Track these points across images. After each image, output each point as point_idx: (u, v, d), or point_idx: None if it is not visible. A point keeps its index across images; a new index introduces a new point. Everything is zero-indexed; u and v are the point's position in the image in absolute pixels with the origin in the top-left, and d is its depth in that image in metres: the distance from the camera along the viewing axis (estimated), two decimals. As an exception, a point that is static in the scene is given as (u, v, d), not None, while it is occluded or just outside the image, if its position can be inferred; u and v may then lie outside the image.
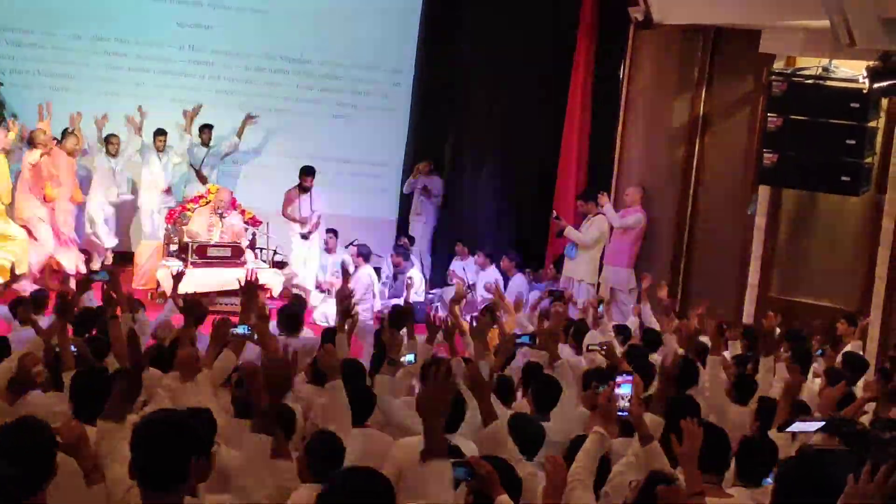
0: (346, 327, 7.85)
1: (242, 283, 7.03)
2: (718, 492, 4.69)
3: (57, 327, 6.52)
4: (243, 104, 15.02)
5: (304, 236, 13.98)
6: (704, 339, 9.13)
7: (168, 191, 14.12)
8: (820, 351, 8.84)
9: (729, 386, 7.17)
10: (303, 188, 13.95)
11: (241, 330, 6.34)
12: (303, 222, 13.96)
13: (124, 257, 14.19)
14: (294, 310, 9.39)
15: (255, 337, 6.48)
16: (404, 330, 7.97)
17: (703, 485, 4.53)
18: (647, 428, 5.01)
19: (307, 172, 13.94)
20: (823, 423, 4.17)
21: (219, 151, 14.58)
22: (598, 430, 4.75)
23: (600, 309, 11.21)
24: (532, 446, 5.47)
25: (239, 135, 14.69)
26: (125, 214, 14.44)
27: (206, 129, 14.42)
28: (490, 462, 4.50)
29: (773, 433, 5.55)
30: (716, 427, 5.07)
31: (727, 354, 8.40)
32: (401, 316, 8.78)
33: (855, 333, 10.19)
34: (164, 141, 14.02)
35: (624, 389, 4.96)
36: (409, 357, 7.38)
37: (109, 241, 14.02)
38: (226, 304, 11.99)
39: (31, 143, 12.78)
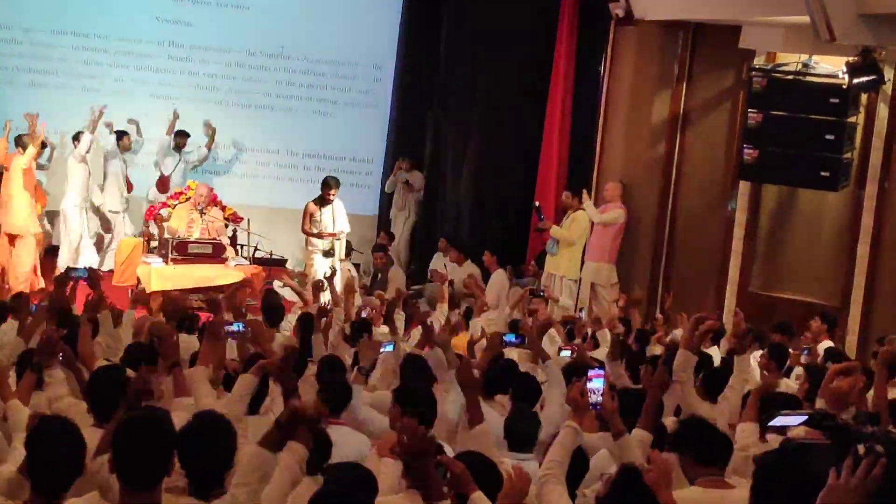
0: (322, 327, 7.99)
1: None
2: (720, 483, 4.72)
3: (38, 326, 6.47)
4: (223, 100, 15.01)
5: (328, 253, 12.99)
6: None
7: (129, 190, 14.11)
8: (806, 350, 8.86)
9: (698, 383, 7.19)
10: (324, 201, 13.00)
11: (235, 327, 6.37)
12: (322, 237, 13.01)
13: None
14: (275, 302, 9.45)
15: (250, 334, 6.50)
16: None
17: (707, 478, 4.56)
18: (619, 422, 5.03)
19: (330, 185, 12.95)
20: (806, 417, 4.18)
21: (188, 160, 14.45)
22: (570, 424, 4.75)
23: (581, 314, 11.27)
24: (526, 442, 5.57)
25: (209, 147, 14.59)
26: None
27: (182, 135, 14.32)
28: (471, 458, 4.52)
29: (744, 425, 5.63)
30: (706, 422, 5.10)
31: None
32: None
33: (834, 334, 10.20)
34: (130, 141, 13.96)
35: (596, 383, 4.97)
36: (388, 347, 7.42)
37: (89, 255, 13.84)
38: (200, 301, 11.91)
39: (21, 146, 12.69)
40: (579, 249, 13.02)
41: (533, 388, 6.64)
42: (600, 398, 4.99)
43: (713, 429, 5.02)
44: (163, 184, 14.10)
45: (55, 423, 4.06)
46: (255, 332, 6.37)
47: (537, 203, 13.62)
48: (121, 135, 13.94)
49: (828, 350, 8.48)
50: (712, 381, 7.27)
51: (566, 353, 8.24)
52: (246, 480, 4.04)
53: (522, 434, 5.62)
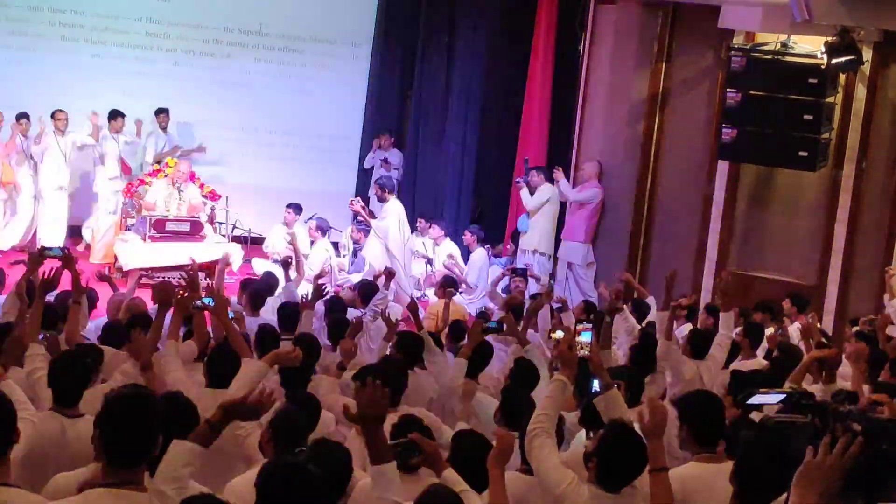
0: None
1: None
2: (715, 458, 4.72)
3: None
4: (201, 77, 14.90)
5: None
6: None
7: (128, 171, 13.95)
8: (780, 330, 8.90)
9: (684, 342, 7.32)
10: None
11: (205, 301, 6.40)
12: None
13: (75, 232, 13.97)
14: (259, 287, 9.45)
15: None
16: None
17: (703, 455, 4.58)
18: (606, 374, 5.05)
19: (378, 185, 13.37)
20: (784, 395, 4.21)
21: (172, 142, 14.35)
22: (559, 378, 4.74)
23: (551, 282, 11.29)
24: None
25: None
26: (82, 190, 14.21)
27: (162, 113, 14.20)
28: (466, 438, 4.55)
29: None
30: (714, 400, 5.06)
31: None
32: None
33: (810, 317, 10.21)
34: (122, 123, 13.82)
35: (584, 337, 4.98)
36: None
37: (59, 230, 13.67)
38: (178, 279, 11.89)
39: None
40: (550, 223, 13.03)
41: (530, 374, 6.66)
42: (588, 352, 4.99)
43: (718, 407, 4.97)
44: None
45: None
46: (218, 307, 6.34)
47: (527, 159, 13.64)
48: (114, 115, 13.76)
49: (780, 345, 8.40)
50: (697, 340, 7.40)
51: (560, 334, 8.26)
52: (176, 475, 3.74)
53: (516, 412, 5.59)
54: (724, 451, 4.73)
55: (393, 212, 12.69)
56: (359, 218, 13.52)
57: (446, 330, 9.09)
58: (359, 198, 13.56)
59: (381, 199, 13.09)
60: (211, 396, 5.42)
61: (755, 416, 5.20)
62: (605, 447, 4.27)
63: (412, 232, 14.10)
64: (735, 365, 7.95)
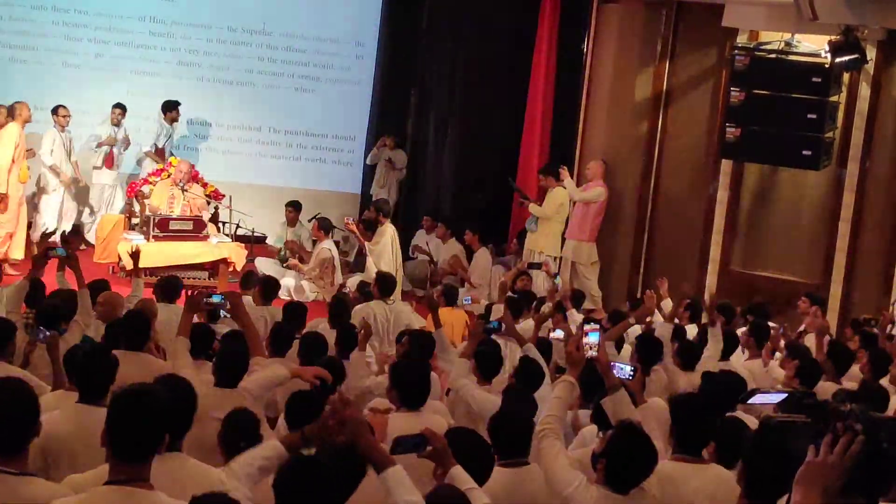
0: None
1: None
2: (694, 459, 4.73)
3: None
4: (204, 76, 14.91)
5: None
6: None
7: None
8: (781, 329, 8.90)
9: (673, 355, 7.37)
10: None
11: (215, 299, 6.41)
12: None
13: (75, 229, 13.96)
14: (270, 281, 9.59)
15: (228, 306, 6.51)
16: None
17: (680, 455, 4.58)
18: (614, 376, 5.04)
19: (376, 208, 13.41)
20: (785, 395, 4.20)
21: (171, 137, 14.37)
22: (566, 378, 4.74)
23: (557, 280, 11.26)
24: None
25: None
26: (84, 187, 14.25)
27: (172, 107, 14.19)
28: (461, 434, 4.53)
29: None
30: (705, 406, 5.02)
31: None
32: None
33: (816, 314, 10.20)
34: (120, 115, 13.82)
35: (591, 338, 4.96)
36: None
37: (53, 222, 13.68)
38: (193, 279, 11.97)
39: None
40: (559, 226, 13.00)
41: (535, 372, 6.63)
42: (596, 352, 4.98)
43: (707, 414, 4.91)
44: (159, 153, 13.99)
45: (7, 383, 3.99)
46: (234, 304, 6.35)
47: (510, 180, 13.61)
48: (116, 105, 13.79)
49: (789, 346, 8.36)
50: (686, 352, 7.53)
51: (560, 334, 8.24)
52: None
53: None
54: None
55: (387, 236, 12.69)
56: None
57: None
58: (354, 218, 13.50)
59: (377, 223, 13.03)
60: (219, 395, 5.44)
61: None
62: (614, 448, 4.27)
63: (418, 230, 14.19)
64: (741, 365, 7.96)
